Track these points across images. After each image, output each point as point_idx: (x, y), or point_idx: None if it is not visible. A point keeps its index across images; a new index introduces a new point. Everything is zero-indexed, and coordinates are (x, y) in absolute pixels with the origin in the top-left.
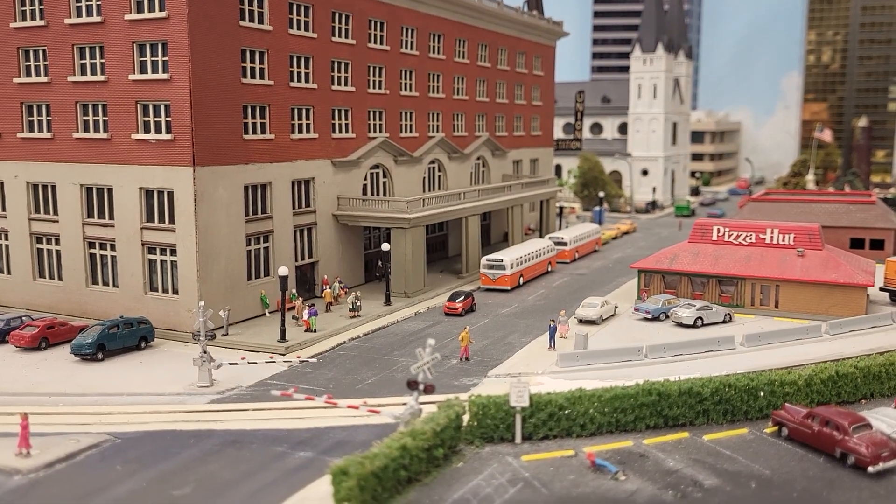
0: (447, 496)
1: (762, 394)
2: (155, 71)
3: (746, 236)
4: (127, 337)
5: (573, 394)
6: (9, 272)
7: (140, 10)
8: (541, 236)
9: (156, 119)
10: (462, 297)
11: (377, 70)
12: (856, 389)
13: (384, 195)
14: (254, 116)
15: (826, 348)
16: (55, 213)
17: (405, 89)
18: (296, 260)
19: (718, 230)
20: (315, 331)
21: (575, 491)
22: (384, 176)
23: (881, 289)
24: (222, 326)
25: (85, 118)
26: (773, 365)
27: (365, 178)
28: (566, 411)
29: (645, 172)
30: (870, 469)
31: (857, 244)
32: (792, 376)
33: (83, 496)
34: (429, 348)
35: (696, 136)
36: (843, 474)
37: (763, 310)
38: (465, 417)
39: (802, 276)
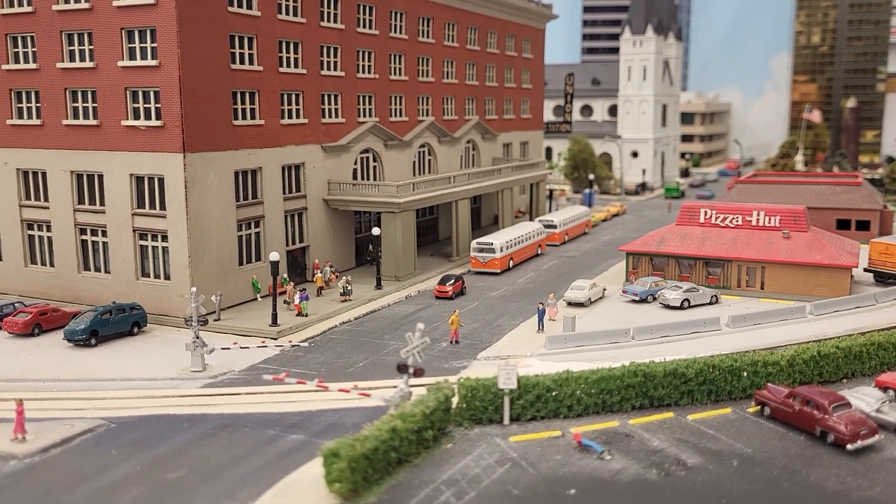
0: (437, 476)
1: (745, 374)
2: (144, 57)
3: (733, 219)
4: (120, 322)
5: (560, 376)
6: (0, 259)
7: None
8: (531, 219)
9: (145, 105)
10: (452, 281)
11: (366, 54)
12: (837, 369)
13: (374, 180)
14: (243, 102)
15: (810, 329)
16: (46, 199)
17: (395, 73)
18: (287, 245)
19: (705, 213)
20: (306, 315)
21: (561, 470)
22: (374, 160)
23: (865, 269)
24: (214, 311)
25: (74, 105)
26: (757, 346)
27: (355, 163)
28: (553, 393)
29: (635, 154)
30: (849, 447)
31: (843, 225)
32: (775, 357)
33: (79, 480)
34: (418, 332)
35: (686, 118)
36: (823, 452)
37: (749, 291)
38: (455, 400)
39: (788, 258)
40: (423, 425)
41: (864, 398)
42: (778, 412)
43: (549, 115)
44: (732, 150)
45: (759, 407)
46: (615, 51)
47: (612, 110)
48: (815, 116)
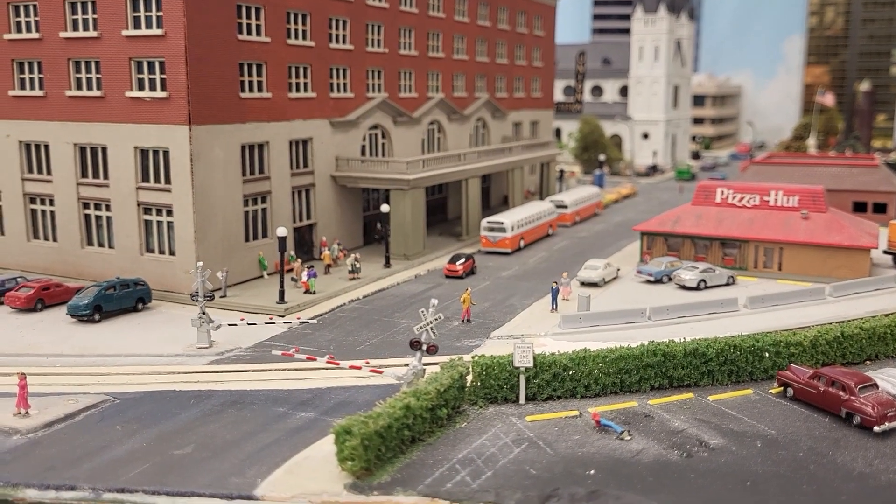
0: (451, 456)
1: (767, 355)
2: (149, 26)
3: (750, 198)
4: (124, 298)
5: (577, 354)
6: (3, 233)
7: None
8: (541, 199)
9: (150, 76)
10: (462, 260)
11: (376, 28)
12: (861, 350)
13: (383, 156)
14: (250, 74)
15: (829, 310)
16: (49, 173)
17: (404, 48)
18: (294, 221)
19: (722, 192)
20: (314, 293)
21: (580, 451)
22: (383, 137)
23: (885, 252)
24: (220, 288)
25: (78, 75)
26: (776, 327)
27: (363, 139)
28: (570, 372)
29: (646, 136)
30: (875, 429)
31: (859, 207)
32: (797, 337)
33: (83, 456)
34: (432, 308)
35: (698, 100)
36: (849, 434)
37: (766, 272)
38: (469, 378)
39: (806, 239)
40: (438, 403)
41: (890, 379)
42: (802, 393)
43: (559, 96)
44: (744, 133)
45: (781, 388)
46: (626, 31)
47: (624, 91)
48: (828, 100)
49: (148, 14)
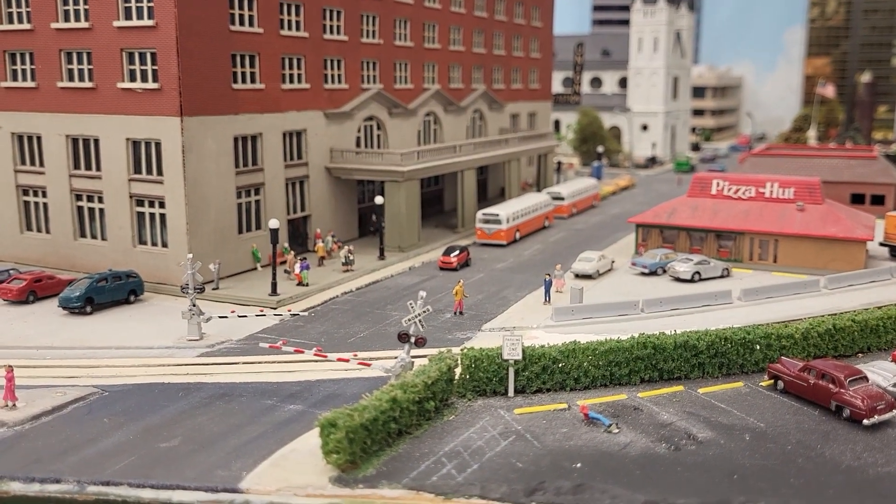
0: (438, 449)
1: (758, 347)
2: (140, 17)
3: (746, 190)
4: (116, 290)
5: (567, 347)
6: None
7: None
8: (538, 191)
9: (142, 67)
10: (457, 252)
11: (371, 19)
12: (853, 343)
13: (378, 148)
14: (243, 65)
15: (824, 303)
16: (41, 164)
17: (400, 39)
18: (288, 213)
19: (717, 184)
20: (307, 285)
21: (567, 444)
22: (378, 128)
23: (881, 244)
24: (213, 280)
25: (69, 66)
26: (770, 319)
27: (358, 131)
28: (560, 364)
29: (645, 128)
30: (865, 422)
31: (857, 199)
32: (789, 330)
33: (69, 449)
34: (420, 300)
35: (698, 92)
36: (839, 427)
37: (761, 264)
38: (458, 370)
39: (802, 231)
40: (425, 396)
41: (881, 372)
42: (792, 386)
43: (557, 87)
44: (744, 125)
45: (772, 381)
46: (626, 22)
47: (623, 82)
48: (829, 91)
49: (139, 5)
